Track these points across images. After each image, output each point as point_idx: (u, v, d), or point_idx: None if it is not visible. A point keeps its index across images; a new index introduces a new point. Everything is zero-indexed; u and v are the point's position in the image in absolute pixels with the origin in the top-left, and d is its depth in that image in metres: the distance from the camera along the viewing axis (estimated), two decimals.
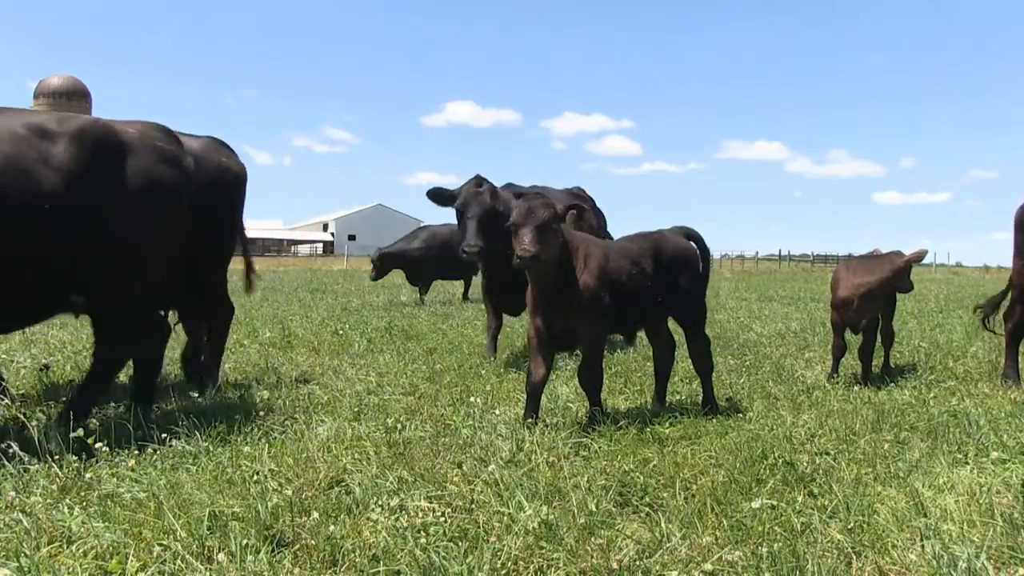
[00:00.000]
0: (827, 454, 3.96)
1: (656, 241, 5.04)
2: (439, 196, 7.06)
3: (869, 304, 6.18)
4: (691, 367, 6.72)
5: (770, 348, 8.23)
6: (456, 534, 2.85)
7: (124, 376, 5.41)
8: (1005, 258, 6.63)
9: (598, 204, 9.31)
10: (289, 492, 3.19)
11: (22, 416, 4.23)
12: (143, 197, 4.26)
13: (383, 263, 15.12)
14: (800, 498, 3.31)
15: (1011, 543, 2.78)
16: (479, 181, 6.89)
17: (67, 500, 3.15)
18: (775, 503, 3.21)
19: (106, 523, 2.87)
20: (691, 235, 5.30)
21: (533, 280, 4.65)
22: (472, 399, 5.23)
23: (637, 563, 2.66)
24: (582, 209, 4.75)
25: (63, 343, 7.79)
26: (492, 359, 7.16)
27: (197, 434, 4.10)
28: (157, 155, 4.38)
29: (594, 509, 3.10)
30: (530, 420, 4.49)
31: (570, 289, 4.52)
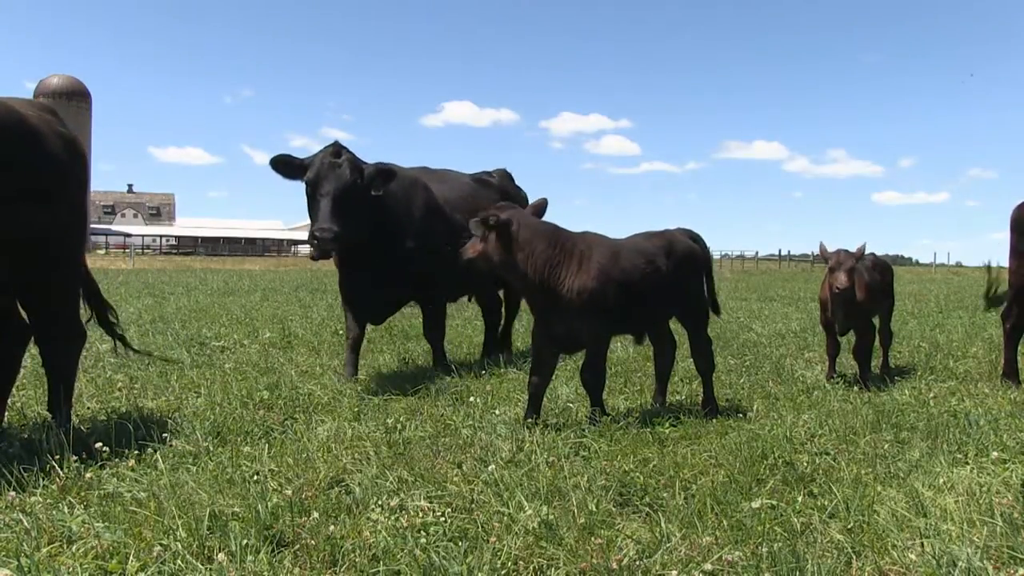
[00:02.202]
0: (827, 454, 3.96)
1: (668, 240, 5.04)
2: (285, 166, 5.59)
3: (842, 306, 6.16)
4: (691, 367, 6.73)
5: (770, 348, 8.23)
6: (456, 534, 2.86)
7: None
8: (1005, 258, 6.62)
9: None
10: (289, 492, 3.19)
11: (22, 416, 4.23)
12: (55, 185, 3.93)
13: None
14: (800, 498, 3.31)
15: (1011, 543, 2.78)
16: (337, 149, 5.56)
17: (67, 500, 3.15)
18: (775, 503, 3.21)
19: (106, 523, 2.87)
20: (693, 237, 5.30)
21: (513, 282, 4.79)
22: (472, 399, 5.23)
23: (637, 563, 2.66)
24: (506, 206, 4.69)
25: None
26: (353, 380, 5.89)
27: (197, 434, 4.10)
28: (62, 140, 4.03)
29: (594, 509, 3.10)
30: (530, 421, 4.49)
31: (563, 290, 4.51)
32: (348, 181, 5.39)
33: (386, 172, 5.66)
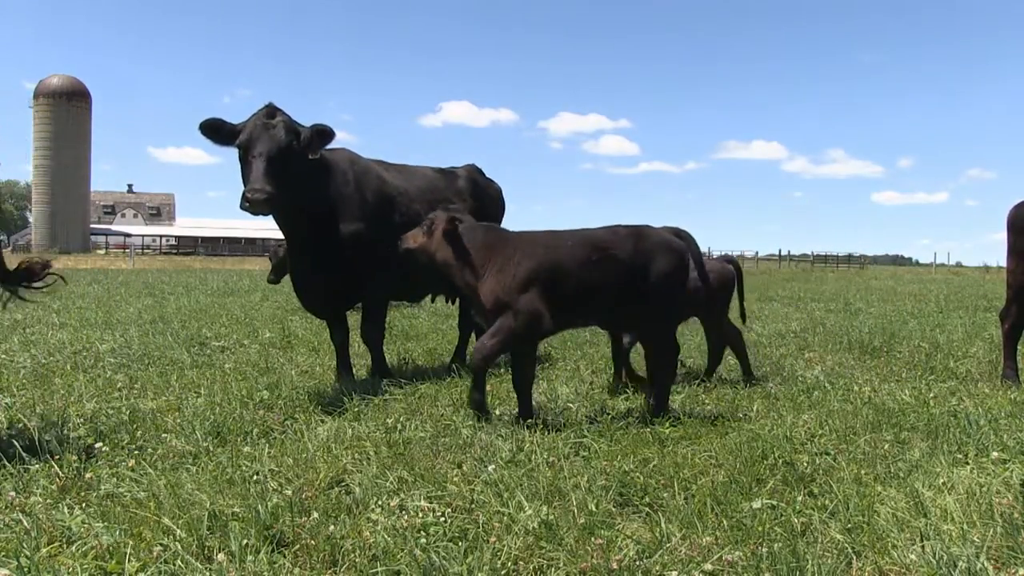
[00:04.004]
0: (827, 454, 3.96)
1: (635, 233, 4.81)
2: (215, 131, 5.19)
3: None
4: (694, 365, 6.74)
5: (770, 348, 8.23)
6: (456, 534, 2.86)
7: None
8: (1004, 258, 6.61)
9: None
10: (289, 492, 3.19)
11: (22, 416, 4.23)
12: None
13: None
14: (800, 498, 3.31)
15: (1011, 543, 2.78)
16: (271, 111, 5.24)
17: (67, 500, 3.16)
18: (775, 503, 3.21)
19: (106, 523, 2.87)
20: (681, 235, 5.01)
21: (451, 280, 4.95)
22: None
23: (637, 563, 2.66)
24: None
25: (63, 343, 7.79)
26: (350, 380, 5.92)
27: (197, 434, 4.11)
28: None
29: (594, 509, 3.10)
30: (529, 420, 4.49)
31: (485, 289, 4.62)
32: (283, 141, 5.08)
33: (323, 132, 5.31)
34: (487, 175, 7.61)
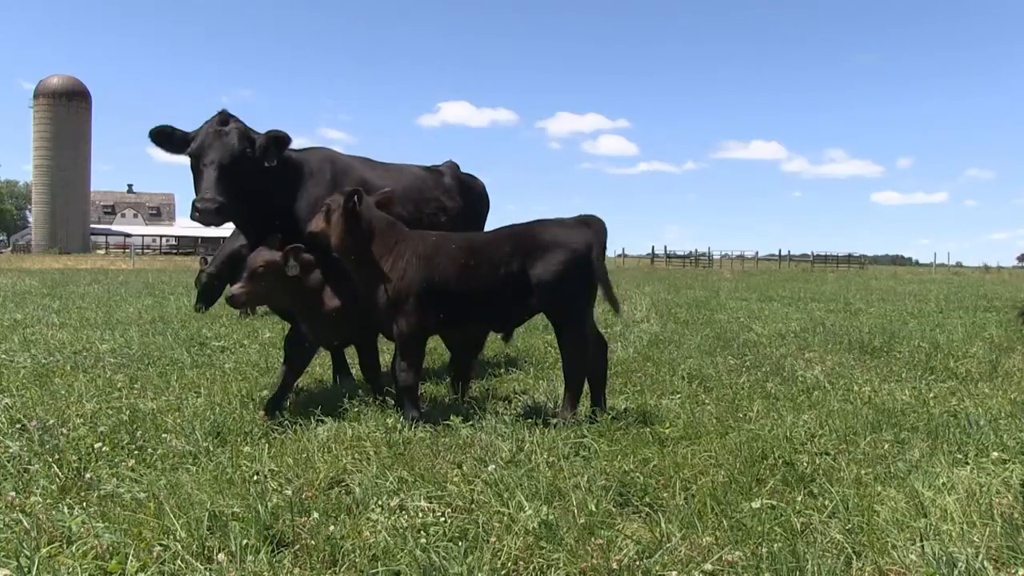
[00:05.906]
0: (827, 454, 3.96)
1: (517, 233, 4.75)
2: (166, 138, 4.97)
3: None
4: (694, 366, 6.74)
5: (770, 348, 8.23)
6: (456, 534, 2.86)
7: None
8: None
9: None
10: (289, 492, 3.19)
11: (22, 416, 4.23)
12: None
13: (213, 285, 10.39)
14: (800, 498, 3.31)
15: (1011, 543, 2.78)
16: (224, 118, 4.99)
17: (67, 500, 3.16)
18: (775, 503, 3.20)
19: (106, 523, 2.87)
20: (589, 224, 4.75)
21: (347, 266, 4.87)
22: (472, 399, 5.23)
23: (637, 563, 2.66)
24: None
25: (63, 343, 7.79)
26: (349, 381, 5.91)
27: (197, 434, 4.11)
28: None
29: (594, 509, 3.10)
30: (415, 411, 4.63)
31: (382, 284, 4.65)
32: (235, 149, 4.84)
33: (278, 139, 5.02)
34: (472, 174, 7.48)
